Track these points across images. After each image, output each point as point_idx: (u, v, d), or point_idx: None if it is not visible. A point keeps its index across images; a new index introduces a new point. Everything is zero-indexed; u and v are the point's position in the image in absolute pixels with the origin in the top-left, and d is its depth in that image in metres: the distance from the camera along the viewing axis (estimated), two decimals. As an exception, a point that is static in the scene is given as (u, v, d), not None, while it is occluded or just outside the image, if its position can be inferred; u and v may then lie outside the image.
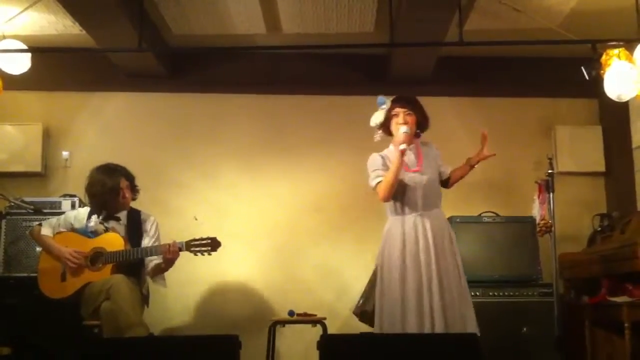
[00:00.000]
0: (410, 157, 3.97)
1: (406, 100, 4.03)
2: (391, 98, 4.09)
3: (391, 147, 4.03)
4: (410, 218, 3.89)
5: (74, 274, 4.27)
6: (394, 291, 3.83)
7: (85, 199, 4.61)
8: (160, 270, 4.39)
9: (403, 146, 3.80)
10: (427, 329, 3.71)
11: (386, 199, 3.89)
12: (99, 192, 4.41)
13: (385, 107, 4.06)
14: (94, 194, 4.43)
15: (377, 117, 4.08)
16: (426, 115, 4.06)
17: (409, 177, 3.91)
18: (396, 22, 4.71)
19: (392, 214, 3.99)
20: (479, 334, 3.66)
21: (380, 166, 3.95)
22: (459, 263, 3.92)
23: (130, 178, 4.54)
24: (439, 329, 3.69)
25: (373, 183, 3.94)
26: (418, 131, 4.05)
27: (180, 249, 4.25)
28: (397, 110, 3.99)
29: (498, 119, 5.78)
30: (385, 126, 4.05)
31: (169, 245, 4.23)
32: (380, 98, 4.11)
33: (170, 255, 4.23)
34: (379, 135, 4.10)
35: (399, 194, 3.91)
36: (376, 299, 3.97)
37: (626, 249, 4.39)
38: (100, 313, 4.04)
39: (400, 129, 3.88)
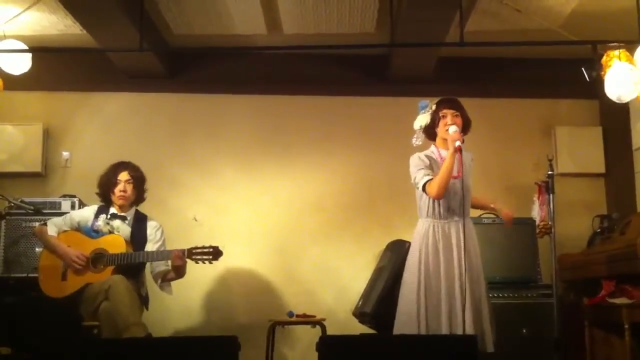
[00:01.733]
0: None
1: (453, 102, 4.02)
2: (435, 100, 4.06)
3: (432, 148, 4.01)
4: (448, 224, 3.86)
5: (74, 274, 4.29)
6: (417, 294, 3.80)
7: (92, 198, 4.63)
8: (170, 279, 4.43)
9: (458, 143, 3.77)
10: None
11: (439, 197, 3.81)
12: (102, 182, 4.52)
13: (429, 109, 4.03)
14: (99, 184, 4.54)
15: (423, 120, 4.03)
16: (469, 117, 4.04)
17: (451, 182, 3.85)
18: (397, 22, 4.71)
19: (428, 215, 3.92)
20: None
21: (426, 165, 3.91)
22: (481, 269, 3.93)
23: (137, 176, 4.55)
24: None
25: (422, 182, 3.85)
26: (462, 134, 3.98)
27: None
28: (445, 111, 3.96)
29: (498, 120, 5.78)
30: (430, 128, 4.02)
31: (176, 250, 4.25)
32: (423, 102, 4.08)
33: (177, 262, 4.24)
34: (420, 138, 4.05)
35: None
36: (399, 299, 3.93)
37: (626, 250, 4.38)
38: (99, 313, 4.05)
39: (451, 129, 3.86)
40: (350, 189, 5.63)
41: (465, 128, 4.00)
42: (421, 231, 3.91)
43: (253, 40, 5.53)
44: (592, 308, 4.75)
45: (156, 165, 5.49)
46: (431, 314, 3.75)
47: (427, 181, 3.82)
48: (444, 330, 3.70)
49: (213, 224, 5.49)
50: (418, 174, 3.89)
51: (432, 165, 3.91)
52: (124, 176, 4.49)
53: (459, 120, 3.94)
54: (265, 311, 5.27)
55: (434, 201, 3.86)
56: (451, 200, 3.86)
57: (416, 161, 3.94)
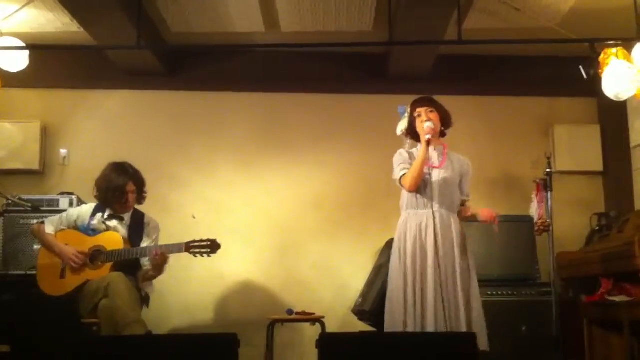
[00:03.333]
0: (433, 154, 4.04)
1: (425, 99, 4.12)
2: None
3: (418, 145, 4.08)
4: (424, 213, 3.93)
5: (73, 272, 4.27)
6: (399, 286, 3.89)
7: (93, 191, 4.57)
8: (149, 277, 4.39)
9: (428, 136, 3.90)
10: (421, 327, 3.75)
11: (412, 189, 3.96)
12: (103, 188, 4.43)
13: (407, 114, 4.13)
14: (100, 188, 4.46)
15: (402, 125, 4.17)
16: (447, 111, 4.13)
17: (428, 172, 3.96)
18: (395, 20, 4.71)
19: (407, 207, 4.03)
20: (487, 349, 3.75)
21: (406, 160, 4.04)
22: (471, 266, 3.96)
23: (139, 183, 4.52)
24: (438, 328, 3.71)
25: (398, 175, 4.02)
26: (443, 129, 4.13)
27: (179, 251, 4.25)
28: (419, 110, 4.07)
29: (496, 118, 5.79)
30: (412, 130, 4.10)
31: (155, 250, 4.22)
32: (401, 107, 4.19)
33: (154, 261, 4.22)
34: (408, 143, 4.17)
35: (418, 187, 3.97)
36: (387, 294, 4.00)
37: (624, 248, 4.39)
38: (99, 311, 4.04)
39: (425, 124, 3.97)
40: (349, 187, 5.63)
41: (445, 122, 4.11)
42: (401, 224, 4.03)
43: (251, 38, 5.53)
44: (590, 306, 4.76)
45: (154, 163, 5.49)
46: (403, 309, 3.82)
47: (403, 175, 3.98)
48: (412, 324, 3.76)
49: (212, 221, 5.48)
50: (396, 170, 4.05)
51: (413, 161, 4.02)
52: (129, 187, 4.45)
53: (434, 115, 4.04)
54: (264, 309, 5.27)
55: (412, 194, 3.99)
56: (429, 191, 3.94)
57: (396, 157, 4.10)
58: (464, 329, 3.75)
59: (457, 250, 3.92)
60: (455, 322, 3.77)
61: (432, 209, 3.91)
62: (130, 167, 4.51)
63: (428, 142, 3.89)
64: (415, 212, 3.97)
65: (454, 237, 3.94)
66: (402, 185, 4.01)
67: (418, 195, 3.98)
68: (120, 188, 4.40)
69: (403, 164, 4.03)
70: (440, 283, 3.77)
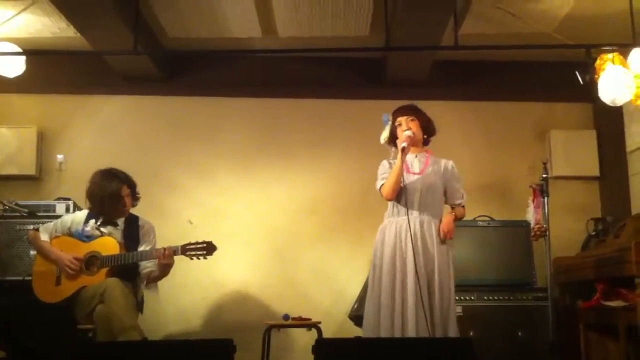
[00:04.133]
0: (414, 161, 4.08)
1: (406, 108, 4.15)
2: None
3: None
4: (404, 220, 3.95)
5: (68, 278, 4.25)
6: (375, 293, 3.95)
7: (85, 203, 4.56)
8: (154, 279, 4.37)
9: (404, 144, 3.93)
10: (398, 331, 3.78)
11: (389, 198, 4.00)
12: (97, 196, 4.37)
13: (390, 122, 4.16)
14: (93, 197, 4.40)
15: (384, 134, 4.20)
16: (429, 118, 4.17)
17: (409, 179, 4.00)
18: (391, 25, 4.72)
19: (388, 215, 4.08)
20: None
21: (387, 170, 4.08)
22: (451, 273, 3.96)
23: (132, 186, 4.50)
24: (410, 333, 3.74)
25: (378, 185, 4.08)
26: (426, 136, 4.16)
27: (176, 253, 4.23)
28: (400, 119, 4.10)
29: (493, 123, 5.80)
30: (393, 139, 4.15)
31: (164, 249, 4.21)
32: (385, 115, 4.21)
33: (164, 260, 4.20)
34: (392, 152, 4.20)
35: (398, 195, 3.99)
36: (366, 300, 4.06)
37: (620, 253, 4.39)
38: (94, 316, 4.03)
39: (404, 133, 4.00)
40: (346, 192, 5.63)
41: (427, 130, 4.14)
42: (379, 230, 4.08)
43: (248, 43, 5.53)
44: (587, 311, 4.76)
45: (152, 168, 5.50)
46: (385, 312, 3.85)
47: (382, 184, 4.03)
48: (396, 326, 3.79)
49: (209, 226, 5.48)
50: (378, 180, 4.10)
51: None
52: (124, 191, 4.42)
53: (414, 124, 4.08)
54: (260, 314, 5.27)
55: (392, 202, 4.04)
56: (409, 197, 3.97)
57: (380, 168, 4.16)
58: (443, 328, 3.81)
59: (436, 254, 3.92)
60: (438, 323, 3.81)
61: (411, 215, 3.94)
62: (118, 171, 4.46)
63: (403, 150, 3.92)
64: (395, 219, 4.00)
65: (434, 242, 3.93)
66: (382, 195, 4.05)
67: (397, 204, 4.02)
68: (116, 193, 4.37)
69: (384, 174, 4.08)
70: (420, 288, 3.79)
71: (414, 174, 4.02)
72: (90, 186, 4.42)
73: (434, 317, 3.81)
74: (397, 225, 3.97)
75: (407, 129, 4.02)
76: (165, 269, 4.29)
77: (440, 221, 4.01)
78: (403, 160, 3.94)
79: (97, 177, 4.41)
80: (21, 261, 4.83)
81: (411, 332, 3.74)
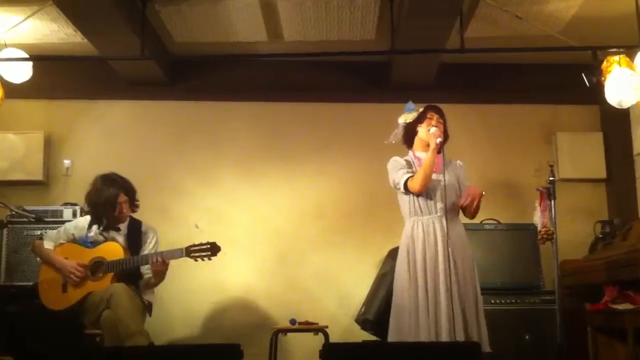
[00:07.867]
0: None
1: (439, 108, 4.12)
2: (421, 106, 4.13)
3: (410, 153, 4.10)
4: (431, 219, 3.92)
5: (75, 285, 4.25)
6: (409, 293, 3.85)
7: (86, 207, 4.58)
8: (150, 285, 4.37)
9: (439, 139, 3.91)
10: (433, 334, 3.72)
11: (422, 190, 3.91)
12: (94, 201, 4.37)
13: (415, 111, 4.11)
14: (91, 202, 4.40)
15: (409, 116, 4.13)
16: (448, 132, 4.11)
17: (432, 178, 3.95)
18: (397, 29, 4.72)
19: (411, 214, 3.99)
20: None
21: (403, 165, 4.02)
22: (476, 275, 3.95)
23: (130, 193, 4.45)
24: (444, 334, 3.70)
25: (402, 179, 3.95)
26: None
27: (180, 255, 4.23)
28: (432, 113, 4.06)
29: (499, 126, 5.79)
30: (410, 128, 4.10)
31: (155, 257, 4.19)
32: (410, 104, 4.17)
33: (155, 267, 4.20)
34: (396, 136, 4.16)
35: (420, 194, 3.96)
36: (392, 303, 3.98)
37: (628, 255, 4.38)
38: (101, 322, 4.03)
39: (432, 129, 3.97)
40: (351, 196, 5.63)
41: (445, 137, 4.09)
42: (408, 231, 3.99)
43: (254, 47, 5.54)
44: (595, 314, 4.74)
45: (157, 173, 5.51)
46: (415, 314, 3.79)
47: (408, 178, 3.93)
48: (431, 330, 3.72)
49: (214, 231, 5.46)
50: (397, 175, 4.00)
51: (411, 167, 4.02)
52: (121, 198, 4.38)
53: (441, 127, 4.04)
54: (267, 319, 5.27)
55: (414, 199, 3.96)
56: (432, 196, 3.94)
57: (393, 164, 4.06)
58: (475, 331, 3.78)
59: (464, 254, 3.91)
60: (470, 326, 3.78)
61: (435, 215, 3.91)
62: (118, 177, 4.43)
63: (438, 146, 3.90)
64: (421, 218, 3.94)
65: (461, 241, 3.94)
66: (406, 189, 3.95)
67: (422, 201, 3.95)
68: (110, 200, 4.33)
69: (403, 168, 4.00)
70: (451, 287, 3.75)
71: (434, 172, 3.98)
72: (89, 190, 4.42)
73: (467, 318, 3.77)
74: (426, 224, 3.92)
75: (436, 125, 4.00)
76: (158, 275, 4.27)
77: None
78: (436, 155, 3.90)
79: (96, 182, 4.41)
80: (29, 267, 4.84)
81: (445, 334, 3.70)
